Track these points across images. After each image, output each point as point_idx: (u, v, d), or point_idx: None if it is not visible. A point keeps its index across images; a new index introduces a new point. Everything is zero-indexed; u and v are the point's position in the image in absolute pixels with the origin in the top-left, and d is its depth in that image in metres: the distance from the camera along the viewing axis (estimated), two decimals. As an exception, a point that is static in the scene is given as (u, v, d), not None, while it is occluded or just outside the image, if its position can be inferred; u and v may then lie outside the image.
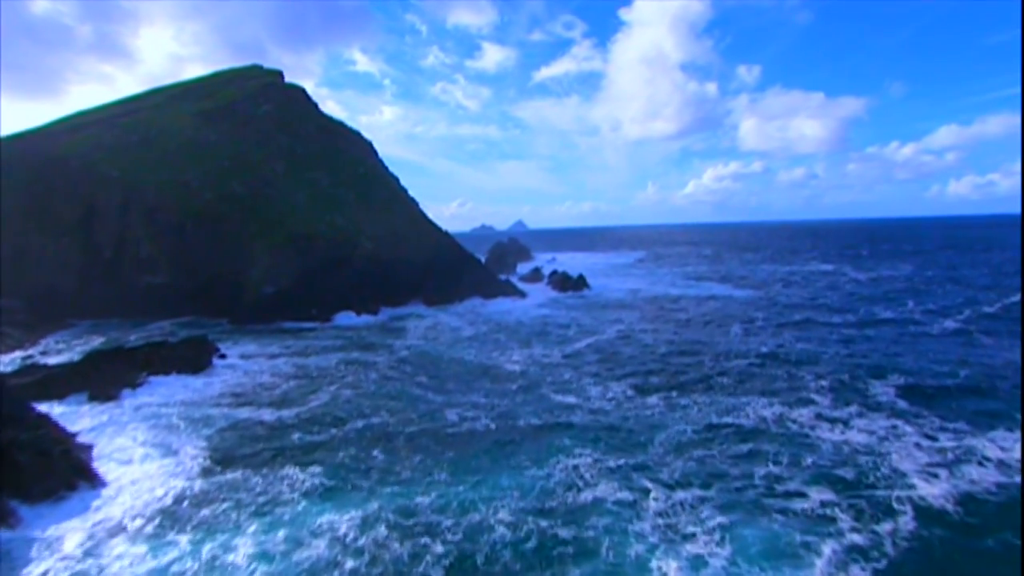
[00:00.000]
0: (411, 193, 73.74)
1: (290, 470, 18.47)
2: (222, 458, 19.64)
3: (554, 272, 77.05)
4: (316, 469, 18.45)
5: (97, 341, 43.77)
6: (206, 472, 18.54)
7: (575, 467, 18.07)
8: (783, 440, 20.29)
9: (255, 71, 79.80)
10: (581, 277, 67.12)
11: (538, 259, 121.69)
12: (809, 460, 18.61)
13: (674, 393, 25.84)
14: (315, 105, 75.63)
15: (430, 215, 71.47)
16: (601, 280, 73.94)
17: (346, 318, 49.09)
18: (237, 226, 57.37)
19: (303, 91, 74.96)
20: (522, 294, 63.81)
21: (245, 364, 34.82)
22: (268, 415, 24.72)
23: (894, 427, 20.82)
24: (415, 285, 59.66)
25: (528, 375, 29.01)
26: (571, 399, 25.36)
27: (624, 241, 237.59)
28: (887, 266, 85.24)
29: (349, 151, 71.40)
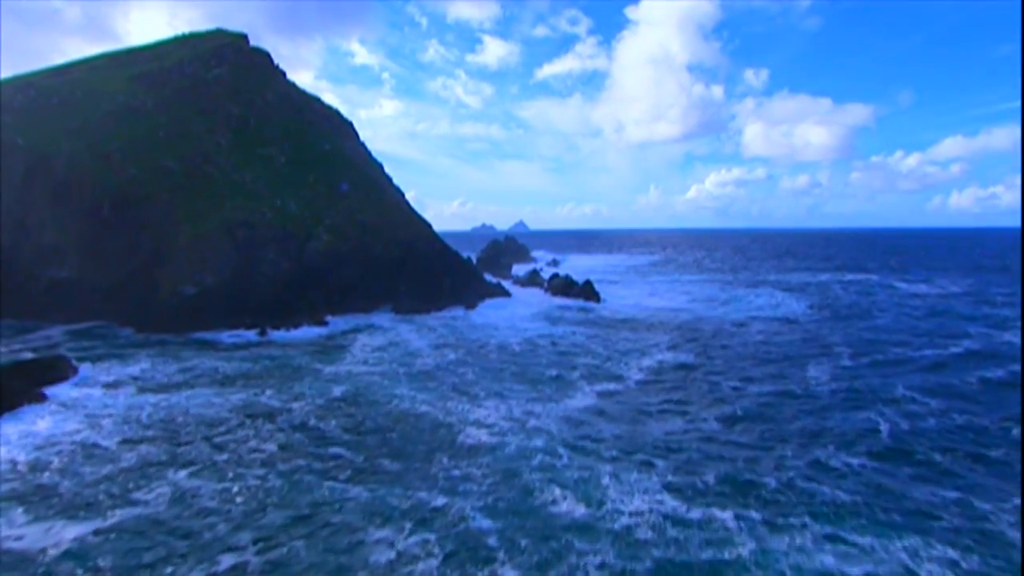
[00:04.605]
0: (415, 191, 62.90)
1: None
2: None
3: (555, 276, 65.89)
4: None
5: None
6: None
7: None
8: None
9: (216, 34, 68.40)
10: (588, 284, 55.79)
11: (538, 261, 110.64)
12: None
13: (754, 511, 14.49)
14: (281, 73, 64.41)
15: (430, 213, 60.94)
16: (610, 289, 62.57)
17: (284, 331, 37.78)
18: (165, 209, 46.16)
19: (267, 55, 63.73)
20: (514, 302, 52.63)
21: (96, 399, 23.87)
22: (23, 536, 13.59)
23: None
24: (385, 289, 48.45)
25: (506, 453, 17.55)
26: (577, 514, 14.07)
27: (628, 244, 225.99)
28: (941, 277, 73.94)
29: (318, 125, 60.18)
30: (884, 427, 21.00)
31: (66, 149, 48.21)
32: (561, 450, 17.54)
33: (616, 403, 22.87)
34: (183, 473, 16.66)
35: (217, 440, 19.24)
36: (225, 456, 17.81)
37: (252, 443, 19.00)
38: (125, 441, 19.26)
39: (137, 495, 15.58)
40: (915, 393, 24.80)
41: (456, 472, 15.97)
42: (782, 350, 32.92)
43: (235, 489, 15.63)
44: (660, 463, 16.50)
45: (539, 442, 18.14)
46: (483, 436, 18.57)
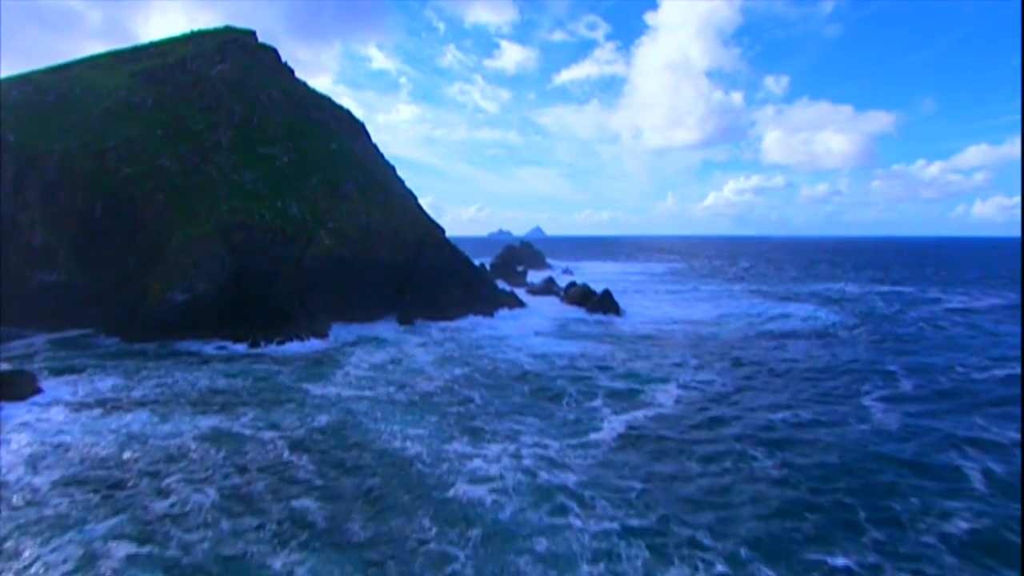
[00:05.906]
0: (433, 197, 60.13)
1: None
2: None
3: (572, 284, 62.33)
4: None
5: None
6: None
7: None
8: None
9: (223, 31, 66.22)
10: (607, 294, 52.17)
11: (554, 268, 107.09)
12: None
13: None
14: (289, 70, 62.08)
15: (447, 218, 58.38)
16: (630, 299, 58.91)
17: (277, 343, 34.77)
18: (160, 211, 43.67)
19: (274, 52, 61.47)
20: (528, 312, 49.29)
21: (51, 423, 21.13)
22: None
23: None
24: (390, 296, 45.46)
25: (504, 520, 13.88)
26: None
27: (646, 251, 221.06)
28: (980, 289, 68.94)
29: (325, 124, 57.47)
30: (974, 473, 17.35)
31: (59, 147, 46.01)
32: (577, 520, 13.91)
33: (646, 441, 19.24)
34: (105, 527, 13.54)
35: (166, 482, 16.11)
36: (166, 504, 14.68)
37: (203, 487, 15.82)
38: (62, 481, 16.25)
39: (43, 556, 12.52)
40: (999, 427, 21.03)
41: (433, 547, 12.53)
42: (830, 372, 29.13)
43: (158, 556, 12.43)
44: (705, 539, 12.84)
45: (548, 506, 14.56)
46: (479, 493, 15.03)
